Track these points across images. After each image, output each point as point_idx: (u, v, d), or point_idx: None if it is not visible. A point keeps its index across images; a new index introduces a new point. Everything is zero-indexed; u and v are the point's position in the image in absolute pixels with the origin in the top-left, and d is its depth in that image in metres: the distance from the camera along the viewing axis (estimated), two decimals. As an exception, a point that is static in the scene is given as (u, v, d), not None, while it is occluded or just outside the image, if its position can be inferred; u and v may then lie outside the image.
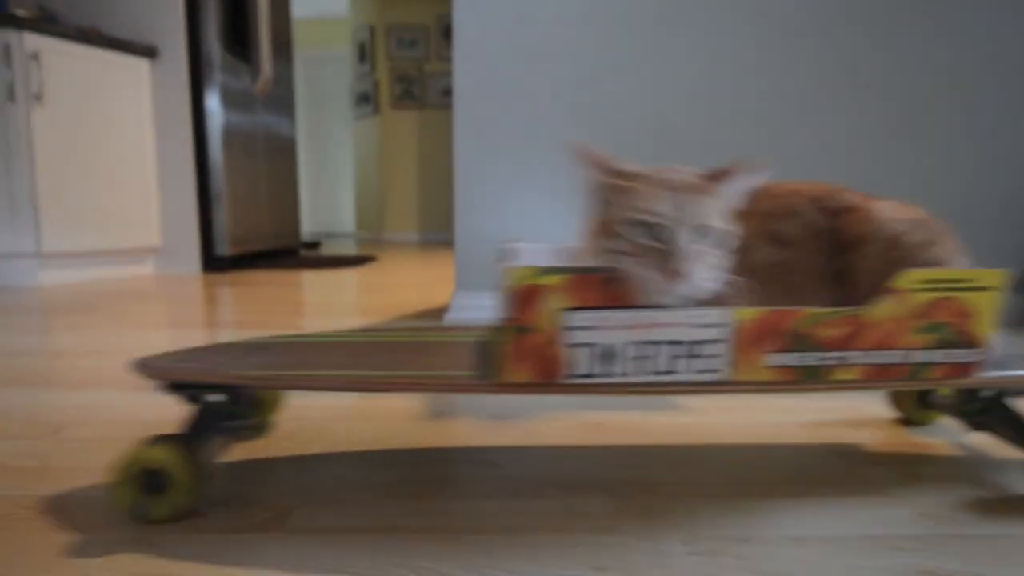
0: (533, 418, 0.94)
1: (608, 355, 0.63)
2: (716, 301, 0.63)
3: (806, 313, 0.63)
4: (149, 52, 2.96)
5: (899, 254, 0.68)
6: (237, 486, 0.70)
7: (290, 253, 4.04)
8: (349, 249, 5.02)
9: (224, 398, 0.69)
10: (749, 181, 0.64)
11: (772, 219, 0.70)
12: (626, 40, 1.66)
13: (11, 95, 2.49)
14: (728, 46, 1.65)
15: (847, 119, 1.67)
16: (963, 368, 0.65)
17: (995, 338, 0.67)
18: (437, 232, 6.39)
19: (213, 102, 3.07)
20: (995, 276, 0.63)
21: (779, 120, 1.68)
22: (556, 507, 0.66)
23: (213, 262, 3.13)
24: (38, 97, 2.54)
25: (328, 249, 4.98)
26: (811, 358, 0.64)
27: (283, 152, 3.89)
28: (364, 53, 6.41)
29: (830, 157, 1.68)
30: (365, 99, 6.49)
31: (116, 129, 2.86)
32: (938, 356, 0.65)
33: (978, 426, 0.79)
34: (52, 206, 2.60)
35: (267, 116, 3.65)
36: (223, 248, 3.12)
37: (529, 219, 1.71)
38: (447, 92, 6.23)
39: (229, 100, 3.17)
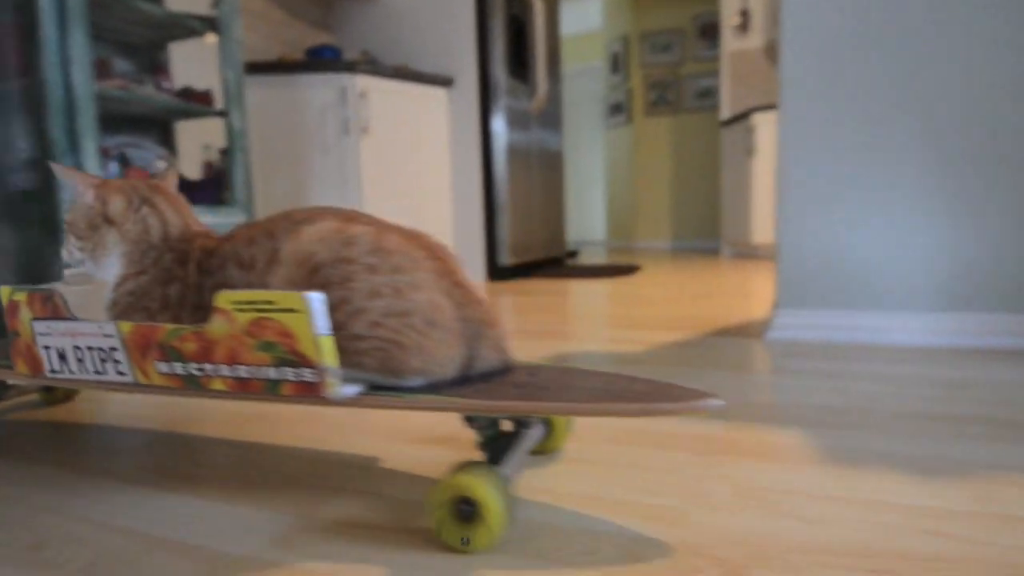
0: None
1: (62, 356, 0.78)
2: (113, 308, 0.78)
3: (167, 328, 0.70)
4: (446, 82, 3.28)
5: (303, 273, 0.68)
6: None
7: (556, 262, 4.17)
8: (600, 258, 5.05)
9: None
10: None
11: (242, 245, 0.74)
12: (960, 27, 1.35)
13: (346, 129, 2.93)
14: None
15: None
16: (310, 387, 0.66)
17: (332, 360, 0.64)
18: (691, 240, 6.15)
19: (498, 123, 3.29)
20: (297, 299, 0.63)
21: None
22: None
23: (496, 271, 3.35)
24: (365, 130, 2.95)
25: (584, 258, 5.07)
26: (183, 368, 0.70)
27: (552, 165, 4.05)
28: (617, 63, 6.45)
29: None
30: (618, 109, 6.52)
31: (420, 153, 3.21)
32: (286, 374, 0.66)
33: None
34: (373, 223, 2.99)
35: (540, 132, 3.82)
36: (505, 258, 3.32)
37: (865, 229, 1.49)
38: (703, 94, 5.97)
39: (511, 119, 3.37)
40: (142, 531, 0.65)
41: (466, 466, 0.62)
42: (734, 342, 1.53)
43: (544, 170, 3.89)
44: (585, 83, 7.60)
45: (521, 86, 3.54)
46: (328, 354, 0.64)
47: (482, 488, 0.59)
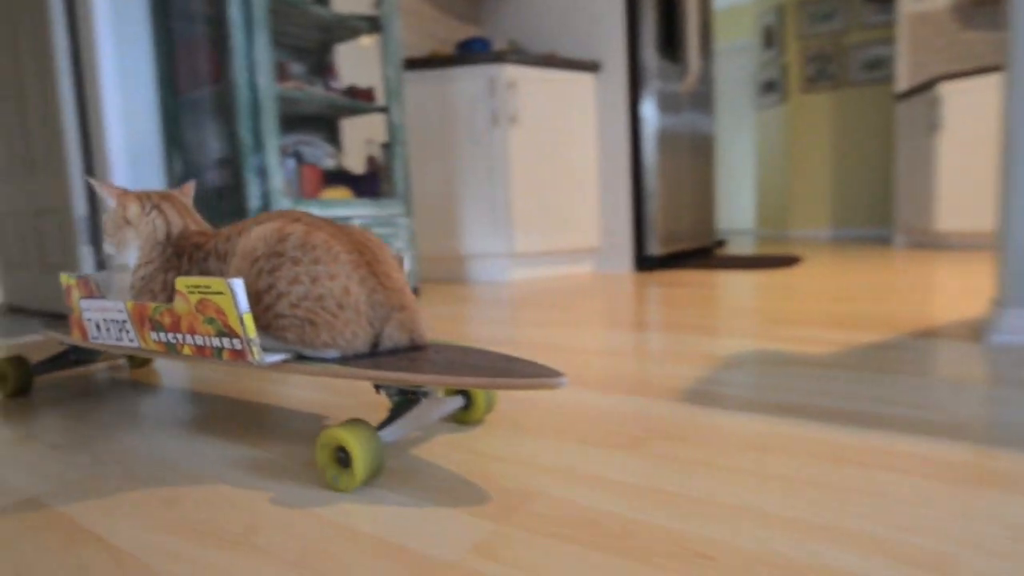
0: None
1: (98, 326, 1.05)
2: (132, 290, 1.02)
3: (152, 306, 0.94)
4: (593, 67, 3.19)
5: (246, 264, 0.86)
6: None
7: (706, 253, 3.96)
8: (750, 247, 4.72)
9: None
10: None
11: (221, 241, 0.93)
12: None
13: (495, 120, 2.94)
14: None
15: None
16: (240, 354, 0.85)
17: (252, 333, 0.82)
18: (855, 227, 5.59)
19: (648, 106, 3.15)
20: (223, 284, 0.81)
21: None
22: None
23: (643, 261, 3.23)
24: (513, 119, 2.94)
25: (733, 248, 4.77)
26: (164, 337, 0.94)
27: (703, 150, 3.83)
28: (770, 37, 5.98)
29: None
30: (770, 87, 6.06)
31: (566, 141, 3.16)
32: (225, 343, 0.86)
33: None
34: (522, 213, 2.99)
35: (691, 114, 3.62)
36: (653, 248, 3.19)
37: None
38: (872, 65, 5.38)
39: (661, 103, 3.21)
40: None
41: (348, 422, 0.75)
42: (944, 346, 1.33)
43: (695, 155, 3.69)
44: (732, 62, 7.14)
45: (671, 66, 3.37)
46: (249, 328, 0.82)
47: (355, 441, 0.73)
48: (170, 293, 0.97)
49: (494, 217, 2.99)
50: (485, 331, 1.75)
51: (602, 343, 1.51)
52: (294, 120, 2.48)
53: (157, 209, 1.03)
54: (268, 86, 1.89)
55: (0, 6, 2.29)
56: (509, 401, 1.06)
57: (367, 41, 3.03)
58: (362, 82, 2.98)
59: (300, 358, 0.85)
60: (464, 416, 0.96)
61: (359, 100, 2.30)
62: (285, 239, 0.84)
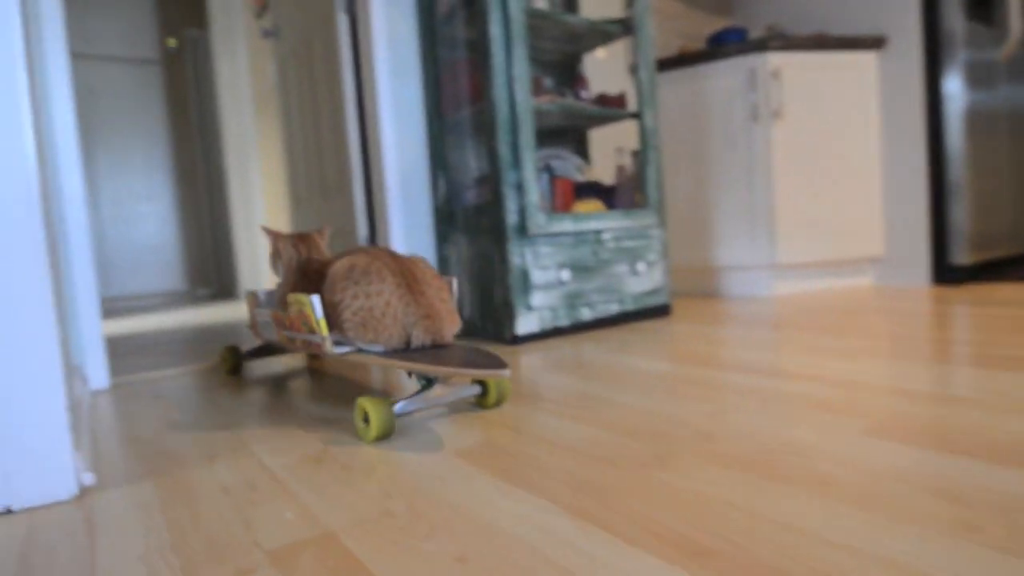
0: None
1: (262, 328, 1.50)
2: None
3: (280, 313, 1.34)
4: (876, 43, 2.72)
5: (329, 284, 1.20)
6: None
7: (1028, 259, 3.14)
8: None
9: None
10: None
11: (324, 267, 1.35)
12: None
13: (755, 116, 2.65)
14: None
15: None
16: (319, 345, 1.22)
17: (325, 331, 1.19)
18: None
19: (952, 82, 2.58)
20: (307, 300, 1.19)
21: None
22: None
23: (946, 273, 2.65)
24: (776, 113, 2.62)
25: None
26: (287, 334, 1.34)
27: (1026, 130, 3.05)
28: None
29: None
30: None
31: (840, 134, 2.73)
32: (312, 338, 1.23)
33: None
34: (785, 219, 2.65)
35: (1010, 88, 2.90)
36: (959, 256, 2.60)
37: None
38: None
39: (970, 75, 2.61)
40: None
41: (373, 396, 1.15)
42: None
43: (1016, 138, 2.95)
44: None
45: (984, 30, 2.73)
46: (323, 328, 1.18)
47: (372, 408, 1.05)
48: None
49: (753, 224, 2.69)
50: (742, 356, 1.52)
51: (893, 378, 1.20)
52: (543, 134, 2.48)
53: (294, 247, 1.42)
54: (525, 100, 1.88)
55: (301, 58, 2.66)
56: (782, 450, 0.85)
57: (602, 53, 2.94)
58: (613, 89, 2.91)
59: (359, 351, 1.20)
60: (482, 401, 1.23)
61: (611, 107, 2.21)
62: (353, 268, 1.17)
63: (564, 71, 2.53)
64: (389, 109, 2.13)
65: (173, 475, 0.98)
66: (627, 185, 2.26)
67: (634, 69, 2.23)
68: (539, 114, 2.08)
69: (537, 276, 1.94)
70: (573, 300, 2.03)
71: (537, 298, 1.94)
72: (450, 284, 1.26)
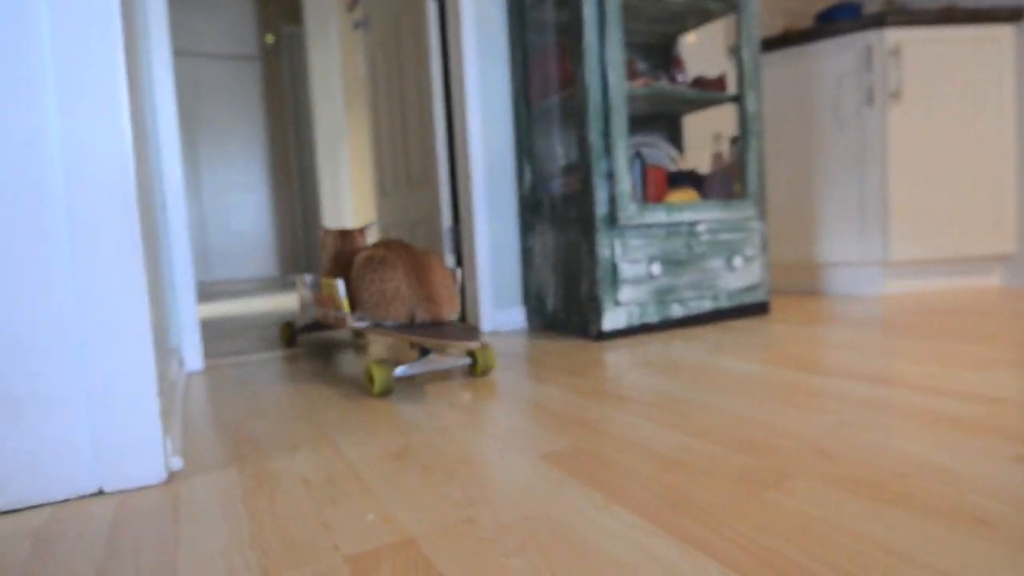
0: None
1: (308, 307, 1.76)
2: None
3: (318, 292, 1.64)
4: (1014, 15, 2.42)
5: (354, 271, 1.45)
6: None
7: None
8: None
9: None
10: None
11: (353, 256, 1.62)
12: None
13: (869, 98, 2.42)
14: None
15: None
16: (344, 320, 1.49)
17: (347, 309, 1.47)
18: None
19: (1110, 56, 2.25)
20: (333, 283, 1.48)
21: None
22: None
23: (1094, 273, 2.33)
24: (895, 95, 2.38)
25: None
26: (323, 311, 1.62)
27: None
28: None
29: None
30: None
31: (967, 117, 2.45)
32: (340, 314, 1.50)
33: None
34: (900, 211, 2.41)
35: None
36: (1112, 255, 2.28)
37: None
38: None
39: None
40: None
41: (375, 359, 1.63)
42: None
43: None
44: None
45: None
46: (346, 306, 1.47)
47: (376, 370, 1.33)
48: None
49: (862, 217, 2.47)
50: (853, 361, 1.36)
51: (977, 384, 1.02)
52: (634, 121, 2.37)
53: (336, 240, 1.73)
54: (619, 85, 1.78)
55: (389, 48, 2.66)
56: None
57: (692, 38, 2.78)
58: (711, 71, 2.75)
59: (376, 325, 1.44)
60: (472, 370, 1.48)
61: (709, 91, 2.07)
62: (372, 259, 1.43)
63: (658, 53, 2.41)
64: (476, 96, 2.08)
65: (256, 463, 0.97)
66: (724, 174, 2.12)
67: (735, 50, 2.08)
68: (632, 99, 1.97)
69: (626, 269, 1.85)
70: (663, 295, 1.92)
71: (625, 292, 1.85)
72: (454, 274, 1.53)
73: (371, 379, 1.34)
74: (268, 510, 0.79)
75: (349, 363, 1.74)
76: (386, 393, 1.33)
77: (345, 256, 1.65)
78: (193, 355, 1.80)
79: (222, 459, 1.00)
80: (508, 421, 1.11)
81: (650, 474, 0.83)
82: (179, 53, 5.51)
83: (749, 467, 0.83)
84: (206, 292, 5.40)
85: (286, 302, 3.78)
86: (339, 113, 4.62)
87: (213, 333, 2.56)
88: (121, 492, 0.89)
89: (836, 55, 2.50)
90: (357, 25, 3.03)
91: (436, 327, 1.38)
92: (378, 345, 2.00)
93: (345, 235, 1.75)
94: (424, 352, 1.45)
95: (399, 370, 1.38)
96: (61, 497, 0.87)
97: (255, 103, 5.84)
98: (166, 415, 0.99)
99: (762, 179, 2.09)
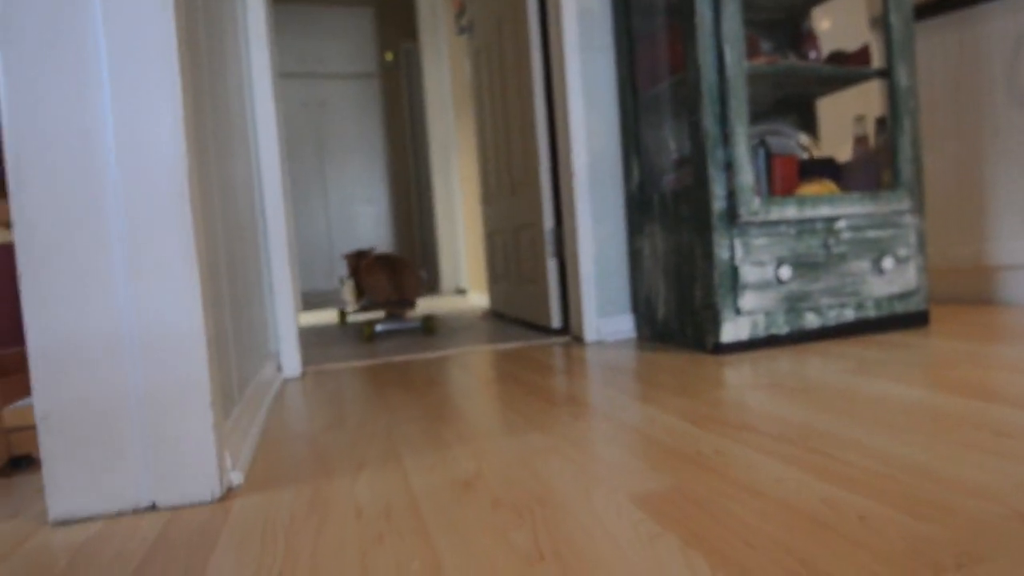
0: None
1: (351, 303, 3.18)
2: None
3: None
4: None
5: (364, 273, 2.60)
6: None
7: None
8: None
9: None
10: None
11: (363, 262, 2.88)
12: None
13: (1058, 66, 1.99)
14: None
15: None
16: (351, 304, 3.05)
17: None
18: None
19: None
20: (349, 282, 2.97)
21: None
22: None
23: None
24: (1094, 60, 1.94)
25: None
26: (345, 302, 3.28)
27: None
28: None
29: None
30: None
31: None
32: (349, 304, 3.03)
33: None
34: (1105, 201, 1.96)
35: None
36: None
37: None
38: None
39: None
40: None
41: (368, 320, 2.80)
42: None
43: None
44: None
45: None
46: (353, 294, 2.96)
47: (366, 326, 2.46)
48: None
49: (1053, 209, 2.03)
50: (1018, 384, 1.05)
51: None
52: (758, 110, 2.11)
53: (353, 258, 2.94)
54: (737, 62, 1.56)
55: (492, 49, 2.58)
56: None
57: (824, 15, 2.44)
58: (851, 44, 2.41)
59: (370, 304, 2.64)
60: (423, 331, 2.54)
61: (848, 67, 1.78)
62: (369, 265, 2.56)
63: (785, 31, 2.13)
64: (578, 89, 1.93)
65: (315, 485, 0.88)
66: (870, 161, 1.81)
67: (881, 18, 1.77)
68: (754, 80, 1.73)
69: (748, 273, 1.61)
70: (795, 303, 1.66)
71: (748, 300, 1.61)
72: (419, 275, 2.63)
73: (365, 331, 2.46)
74: (309, 545, 0.69)
75: (437, 370, 1.64)
76: (370, 340, 2.45)
77: (354, 265, 3.01)
78: (291, 361, 1.78)
79: (284, 476, 0.92)
80: (600, 448, 0.94)
81: (778, 537, 0.63)
82: (307, 75, 5.84)
83: (920, 537, 0.61)
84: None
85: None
86: (450, 123, 4.65)
87: (326, 339, 2.59)
88: (173, 508, 0.83)
89: (1013, 15, 2.09)
90: (462, 31, 2.99)
91: (399, 304, 2.58)
92: (443, 333, 1.91)
93: (360, 254, 3.01)
94: (392, 317, 2.66)
95: (379, 327, 2.55)
96: (115, 510, 0.82)
97: (375, 119, 6.05)
98: (221, 428, 0.92)
99: (918, 166, 1.76)
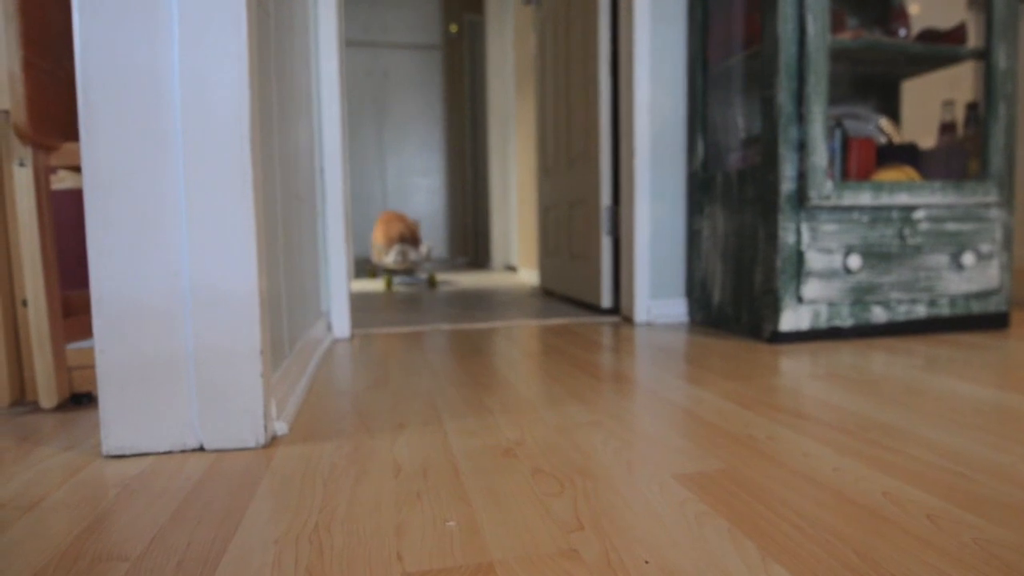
0: None
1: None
2: None
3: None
4: None
5: (378, 232, 3.61)
6: None
7: None
8: None
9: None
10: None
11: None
12: None
13: None
14: None
15: None
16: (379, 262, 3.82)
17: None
18: None
19: None
20: (380, 247, 3.74)
21: None
22: None
23: None
24: None
25: None
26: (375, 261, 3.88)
27: None
28: None
29: None
30: None
31: None
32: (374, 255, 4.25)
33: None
34: None
35: None
36: None
37: None
38: None
39: None
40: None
41: (388, 272, 3.59)
42: None
43: None
44: None
45: None
46: (380, 251, 3.66)
47: (385, 278, 3.45)
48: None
49: None
50: None
51: None
52: (839, 91, 1.99)
53: (383, 222, 3.66)
54: (819, 35, 1.47)
55: (559, 20, 2.52)
56: None
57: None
58: (945, 23, 2.25)
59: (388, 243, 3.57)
60: (429, 283, 3.47)
61: (941, 45, 1.65)
62: (386, 213, 3.67)
63: (875, 6, 2.00)
64: (645, 61, 1.87)
65: (356, 440, 0.88)
66: (956, 149, 1.69)
67: (983, -9, 1.64)
68: (836, 56, 1.63)
69: (814, 260, 1.53)
70: (862, 295, 1.57)
71: (812, 288, 1.54)
72: (416, 227, 3.69)
73: (386, 280, 3.39)
74: (346, 497, 0.68)
75: (484, 340, 1.63)
76: (390, 285, 3.38)
77: (379, 217, 3.62)
78: (341, 322, 1.81)
79: (327, 430, 0.93)
80: (646, 425, 0.91)
81: (834, 527, 0.59)
82: (370, 44, 5.87)
83: (989, 538, 0.56)
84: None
85: (460, 277, 3.84)
86: (510, 97, 4.60)
87: (375, 305, 2.62)
88: (220, 451, 0.84)
89: None
90: (528, 1, 2.93)
91: (412, 241, 3.56)
92: (443, 286, 1.88)
93: (394, 218, 3.69)
94: (406, 272, 3.61)
95: (396, 279, 3.75)
96: (164, 448, 0.84)
97: (436, 91, 6.05)
98: (269, 379, 0.93)
99: (1010, 156, 1.63)
